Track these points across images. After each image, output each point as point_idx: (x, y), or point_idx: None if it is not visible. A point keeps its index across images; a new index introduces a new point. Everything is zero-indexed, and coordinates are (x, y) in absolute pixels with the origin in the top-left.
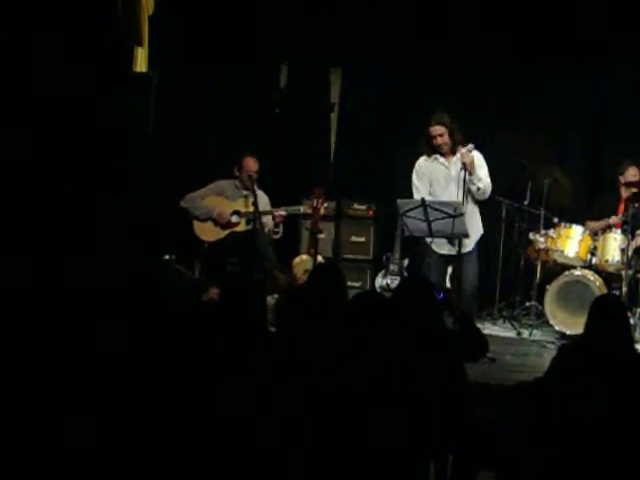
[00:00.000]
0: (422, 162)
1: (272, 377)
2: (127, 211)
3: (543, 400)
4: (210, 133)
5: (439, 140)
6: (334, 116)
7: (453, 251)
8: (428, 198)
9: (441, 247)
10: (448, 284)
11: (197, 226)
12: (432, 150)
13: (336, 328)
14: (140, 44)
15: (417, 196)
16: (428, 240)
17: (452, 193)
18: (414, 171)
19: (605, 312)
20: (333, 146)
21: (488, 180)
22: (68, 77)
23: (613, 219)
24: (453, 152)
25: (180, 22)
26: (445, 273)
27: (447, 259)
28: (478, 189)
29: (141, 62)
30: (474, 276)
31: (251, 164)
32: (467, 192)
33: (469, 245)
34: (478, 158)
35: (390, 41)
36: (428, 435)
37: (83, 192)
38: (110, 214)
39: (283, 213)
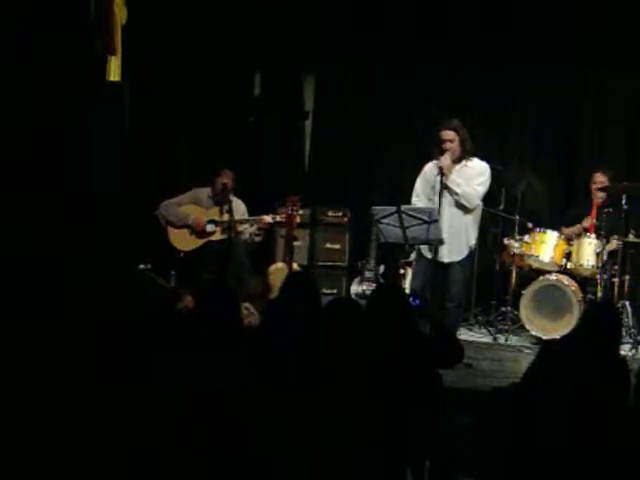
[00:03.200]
0: (429, 166)
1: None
2: (100, 220)
3: (520, 405)
4: (184, 141)
5: (448, 145)
6: (308, 123)
7: (445, 258)
8: (404, 206)
9: (434, 254)
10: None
11: (172, 235)
12: (441, 155)
13: (310, 336)
14: (113, 53)
15: (414, 199)
16: (420, 246)
17: (448, 200)
18: (420, 174)
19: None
20: (307, 153)
21: (478, 189)
22: (41, 86)
23: (587, 221)
24: (459, 161)
25: (153, 31)
26: (431, 280)
27: (436, 266)
28: (456, 194)
29: (114, 71)
30: (461, 287)
31: (223, 178)
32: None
33: (460, 253)
34: (478, 168)
35: (363, 47)
36: (404, 442)
37: (54, 199)
38: (82, 222)
39: (269, 220)
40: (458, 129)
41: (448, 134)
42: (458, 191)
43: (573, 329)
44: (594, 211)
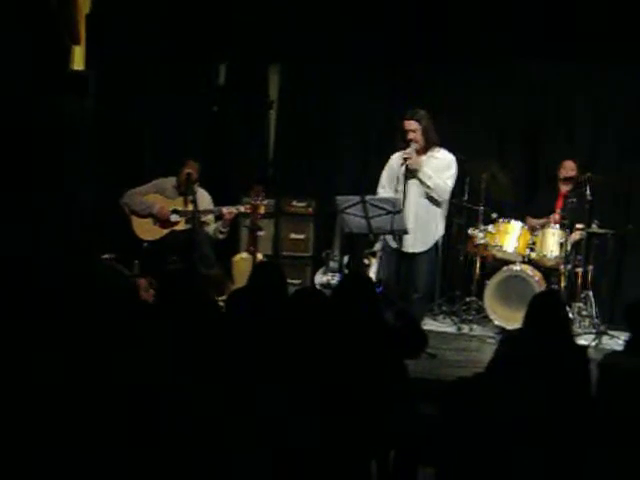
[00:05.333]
0: (394, 157)
1: (216, 373)
2: (63, 210)
3: (483, 395)
4: (148, 131)
5: (411, 135)
6: (273, 113)
7: (410, 248)
8: (368, 196)
9: (396, 244)
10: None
11: (136, 225)
12: (406, 145)
13: (277, 325)
14: (77, 43)
15: (380, 191)
16: (387, 236)
17: (414, 191)
18: (386, 165)
19: (545, 307)
20: (272, 143)
21: (448, 183)
22: (4, 75)
23: (554, 217)
24: (425, 151)
25: (118, 20)
26: (397, 270)
27: (402, 256)
28: (428, 187)
29: (78, 60)
30: (424, 280)
31: (187, 168)
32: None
33: (425, 245)
34: (446, 160)
35: (328, 37)
36: (369, 431)
37: (18, 190)
38: (46, 212)
39: (233, 211)
40: (421, 119)
41: (411, 124)
42: (430, 184)
43: (523, 320)
44: (560, 201)
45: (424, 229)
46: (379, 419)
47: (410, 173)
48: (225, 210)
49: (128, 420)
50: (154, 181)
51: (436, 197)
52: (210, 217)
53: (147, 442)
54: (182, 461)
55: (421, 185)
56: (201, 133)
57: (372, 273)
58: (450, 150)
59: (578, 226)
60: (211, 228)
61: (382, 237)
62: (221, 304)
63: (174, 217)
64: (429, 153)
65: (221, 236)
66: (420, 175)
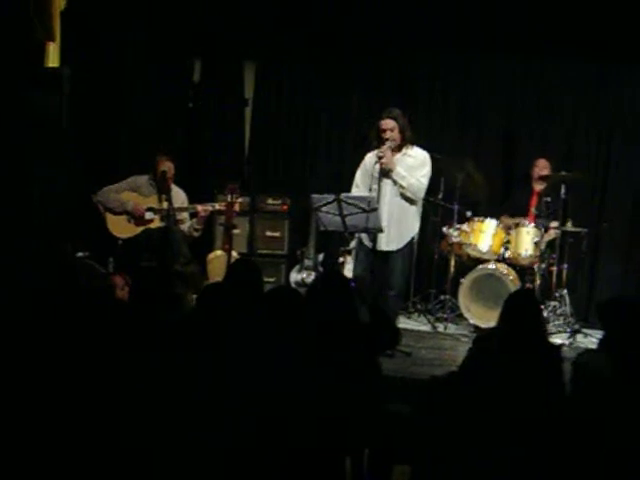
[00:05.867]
0: (369, 156)
1: (187, 370)
2: (37, 208)
3: (457, 394)
4: (123, 128)
5: (388, 134)
6: (248, 111)
7: (385, 246)
8: (343, 194)
9: (373, 242)
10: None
11: (111, 223)
12: (381, 144)
13: (254, 323)
14: (52, 40)
15: (354, 190)
16: (362, 235)
17: (389, 190)
18: (360, 164)
19: (519, 306)
20: (247, 141)
21: (422, 181)
22: None
23: (528, 220)
24: (399, 149)
25: (93, 17)
26: (371, 268)
27: (377, 255)
28: (402, 187)
29: (53, 58)
30: (398, 278)
31: (162, 165)
32: (399, 189)
33: (399, 243)
34: (419, 158)
35: (304, 36)
36: (343, 430)
37: None
38: (19, 211)
39: (208, 208)
40: (398, 118)
41: (388, 123)
42: (404, 184)
43: (498, 318)
44: (534, 200)
45: (399, 227)
46: (353, 417)
47: (384, 172)
48: (200, 208)
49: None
50: (129, 178)
51: (410, 196)
52: (185, 215)
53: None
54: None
55: (395, 184)
56: (176, 130)
57: (347, 271)
58: (425, 148)
59: (553, 225)
60: (186, 226)
61: (357, 235)
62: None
63: (149, 215)
64: (403, 151)
65: (196, 234)
66: (394, 175)
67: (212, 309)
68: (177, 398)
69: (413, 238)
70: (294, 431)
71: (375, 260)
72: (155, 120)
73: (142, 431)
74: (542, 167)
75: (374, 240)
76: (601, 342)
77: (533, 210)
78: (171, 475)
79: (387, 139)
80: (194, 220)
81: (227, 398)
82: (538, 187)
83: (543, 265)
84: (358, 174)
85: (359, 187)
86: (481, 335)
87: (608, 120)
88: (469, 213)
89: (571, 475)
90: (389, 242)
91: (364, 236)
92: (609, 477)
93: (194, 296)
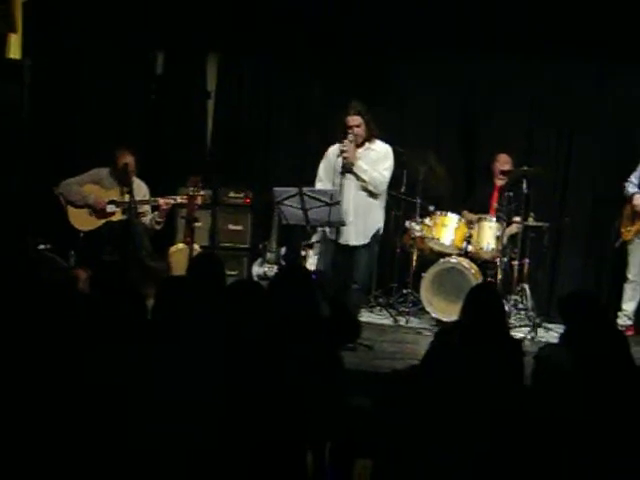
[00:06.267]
0: (332, 149)
1: (148, 363)
2: None
3: (419, 388)
4: (85, 121)
5: (355, 130)
6: (211, 103)
7: (352, 241)
8: (305, 188)
9: (335, 236)
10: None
11: (72, 215)
12: (345, 138)
13: (215, 317)
14: (14, 31)
15: (318, 183)
16: (325, 228)
17: (353, 184)
18: (323, 158)
19: (481, 300)
20: (209, 134)
21: (384, 174)
22: None
23: (490, 214)
24: (363, 144)
25: (55, 9)
26: (335, 261)
27: (341, 249)
28: (364, 181)
29: (15, 49)
30: (362, 272)
31: (124, 158)
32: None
33: (365, 237)
34: (382, 151)
35: (266, 29)
36: (304, 423)
37: None
38: None
39: (169, 201)
40: (363, 113)
41: (355, 119)
42: (365, 177)
43: (460, 312)
44: (496, 194)
45: (364, 221)
46: (314, 410)
47: (347, 166)
48: (161, 201)
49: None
50: (90, 171)
51: (372, 189)
52: (147, 208)
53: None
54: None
55: (358, 178)
56: (138, 123)
57: (309, 264)
58: (387, 142)
59: (514, 219)
60: (147, 218)
61: (321, 229)
62: None
63: (110, 207)
64: (366, 145)
65: (157, 227)
66: (355, 169)
67: (173, 302)
68: (137, 391)
69: (378, 231)
70: (255, 425)
71: (339, 254)
72: (117, 113)
73: (103, 424)
74: (503, 162)
75: (338, 233)
76: (562, 336)
77: (495, 205)
78: (133, 468)
79: (355, 135)
80: (156, 213)
81: (188, 392)
82: (499, 182)
83: (505, 259)
84: (321, 167)
85: (322, 180)
86: (443, 329)
87: (569, 115)
88: (432, 207)
89: (532, 468)
90: (357, 236)
91: (328, 229)
92: (570, 470)
93: (155, 289)
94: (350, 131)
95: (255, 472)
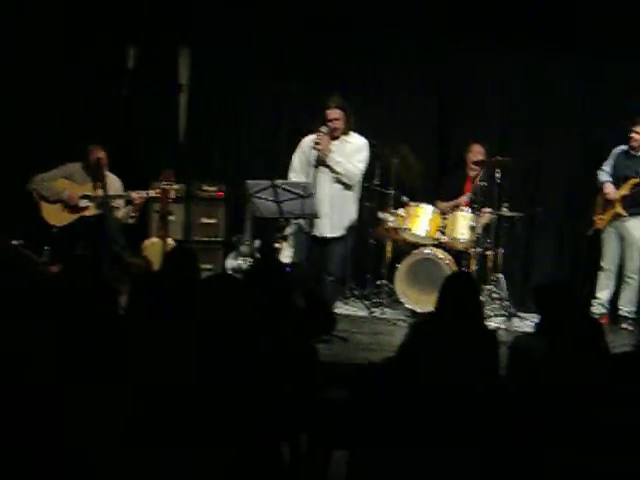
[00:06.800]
0: (305, 141)
1: (123, 360)
2: None
3: (394, 379)
4: (57, 115)
5: (336, 124)
6: (183, 97)
7: (327, 233)
8: (278, 180)
9: (309, 228)
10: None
11: (46, 211)
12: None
13: (190, 310)
14: None
15: (291, 175)
16: (300, 221)
17: (328, 176)
18: (297, 149)
19: (456, 289)
20: (182, 128)
21: (358, 166)
22: None
23: (462, 199)
24: (338, 136)
25: (26, 2)
26: (310, 253)
27: (315, 241)
28: (337, 173)
29: None
30: (336, 264)
31: (96, 153)
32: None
33: (341, 229)
34: (358, 143)
35: (239, 21)
36: (280, 415)
37: None
38: None
39: (143, 195)
40: (343, 106)
41: (335, 112)
42: (339, 170)
43: (436, 302)
44: (469, 184)
45: (339, 213)
46: (289, 402)
47: (321, 158)
48: (135, 195)
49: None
50: (62, 166)
51: (346, 181)
52: (120, 202)
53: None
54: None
55: (332, 171)
56: (111, 117)
57: (284, 257)
58: (361, 133)
59: (488, 209)
60: (121, 213)
61: (296, 221)
62: None
63: (84, 202)
64: (342, 137)
65: (131, 221)
66: (329, 161)
67: (147, 297)
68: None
69: (352, 223)
70: (230, 417)
71: (314, 246)
72: (89, 107)
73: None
74: (476, 152)
75: (313, 226)
76: (537, 325)
77: (468, 195)
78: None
79: (334, 128)
80: (129, 207)
81: (163, 385)
82: (472, 172)
83: (479, 249)
84: (295, 159)
85: (296, 172)
86: (418, 320)
87: (542, 105)
88: (405, 198)
89: (508, 457)
90: (331, 228)
91: (302, 222)
92: (547, 458)
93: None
94: (330, 124)
95: (231, 463)
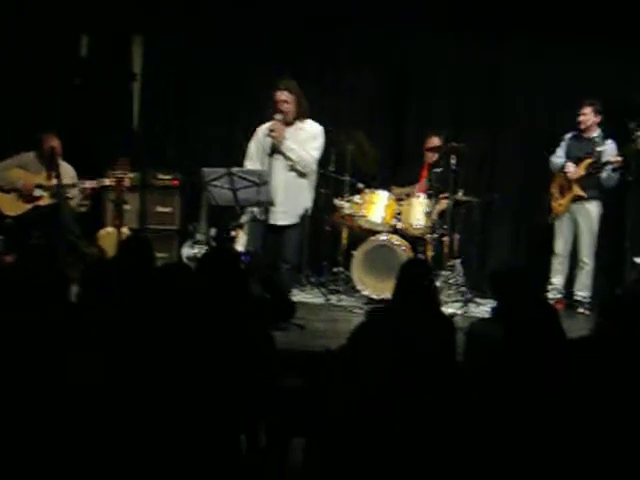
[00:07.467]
0: (261, 129)
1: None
2: None
3: (350, 366)
4: (8, 105)
5: (284, 106)
6: (136, 85)
7: (280, 221)
8: (234, 168)
9: (264, 216)
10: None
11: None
12: (272, 117)
13: (144, 300)
14: None
15: (247, 163)
16: (255, 209)
17: (282, 164)
18: (253, 137)
19: (412, 276)
20: (136, 116)
21: (313, 154)
22: None
23: (418, 187)
24: (292, 123)
25: None
26: (265, 241)
27: (270, 229)
28: (292, 160)
29: None
30: (292, 252)
31: (50, 142)
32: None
33: (294, 217)
34: (312, 130)
35: (191, 8)
36: (237, 405)
37: None
38: None
39: (93, 185)
40: (292, 89)
41: (282, 94)
42: (293, 157)
43: (393, 289)
44: (425, 170)
45: (293, 201)
46: (246, 392)
47: (275, 146)
48: (87, 183)
49: None
50: (16, 155)
51: (300, 169)
52: (74, 191)
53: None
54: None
55: (287, 158)
56: (64, 106)
57: (239, 245)
58: (316, 120)
59: (443, 195)
60: (74, 202)
61: (250, 209)
62: None
63: (38, 192)
64: (297, 124)
65: (82, 209)
66: (283, 148)
67: (101, 285)
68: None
69: (307, 211)
70: (188, 408)
71: (269, 234)
72: (42, 96)
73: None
74: (434, 140)
75: (268, 214)
76: (493, 311)
77: (424, 181)
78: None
79: (282, 111)
80: (80, 195)
81: (118, 375)
82: (429, 159)
83: (435, 235)
84: (251, 146)
85: (252, 159)
86: (374, 307)
87: (497, 91)
88: (361, 185)
89: (465, 442)
90: (285, 216)
91: (257, 210)
92: (503, 442)
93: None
94: (278, 107)
95: (188, 454)
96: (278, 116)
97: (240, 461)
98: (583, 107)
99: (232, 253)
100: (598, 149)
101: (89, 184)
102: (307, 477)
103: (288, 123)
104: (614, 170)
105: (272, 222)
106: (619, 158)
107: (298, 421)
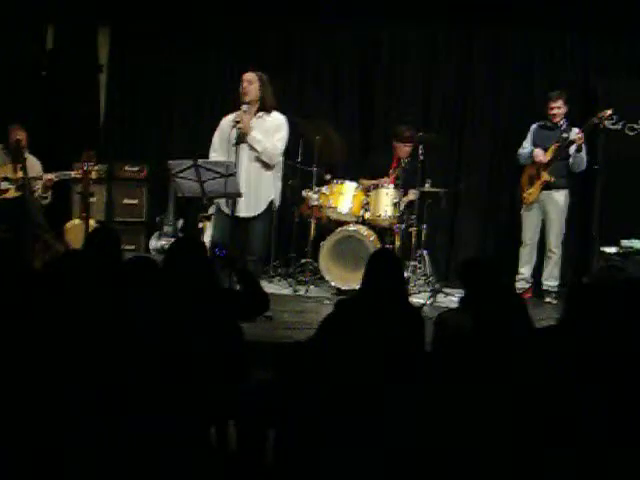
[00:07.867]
0: (225, 120)
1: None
2: None
3: (318, 358)
4: None
5: (247, 88)
6: (103, 77)
7: (243, 212)
8: (200, 160)
9: (230, 208)
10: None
11: None
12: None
13: (111, 292)
14: None
15: (212, 154)
16: (221, 200)
17: (246, 155)
18: (217, 128)
19: (381, 266)
20: (103, 108)
21: (277, 145)
22: None
23: (386, 179)
24: (257, 113)
25: None
26: (231, 233)
27: (235, 220)
28: (257, 152)
29: None
30: (258, 244)
31: (16, 134)
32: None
33: (258, 208)
34: (276, 121)
35: (157, 1)
36: (205, 399)
37: None
38: None
39: (51, 177)
40: (260, 76)
41: (248, 75)
42: (259, 148)
43: (361, 280)
44: (395, 163)
45: (257, 193)
46: (214, 386)
47: (241, 137)
48: (51, 175)
49: None
50: None
51: (266, 160)
52: (40, 184)
53: None
54: None
55: (252, 149)
56: (30, 98)
57: (206, 237)
58: (283, 112)
59: (412, 187)
60: (36, 194)
61: (215, 201)
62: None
63: (4, 184)
64: (261, 115)
65: (45, 201)
66: (249, 139)
67: (69, 277)
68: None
69: (272, 202)
70: (155, 400)
71: (234, 226)
72: (7, 88)
73: None
74: (401, 130)
75: (233, 205)
76: (461, 301)
77: (392, 172)
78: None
79: (245, 94)
80: (39, 188)
81: (84, 369)
82: (403, 153)
83: (403, 226)
84: (216, 139)
85: (217, 151)
86: (343, 298)
87: (465, 82)
88: (328, 176)
89: (433, 432)
90: (248, 208)
91: (222, 202)
92: (473, 432)
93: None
94: (242, 88)
95: (156, 447)
96: (244, 107)
97: (210, 453)
98: (555, 100)
99: (198, 243)
100: (564, 135)
101: (48, 175)
102: (277, 469)
103: (252, 114)
104: (578, 151)
105: (237, 214)
106: (580, 134)
107: (267, 414)
